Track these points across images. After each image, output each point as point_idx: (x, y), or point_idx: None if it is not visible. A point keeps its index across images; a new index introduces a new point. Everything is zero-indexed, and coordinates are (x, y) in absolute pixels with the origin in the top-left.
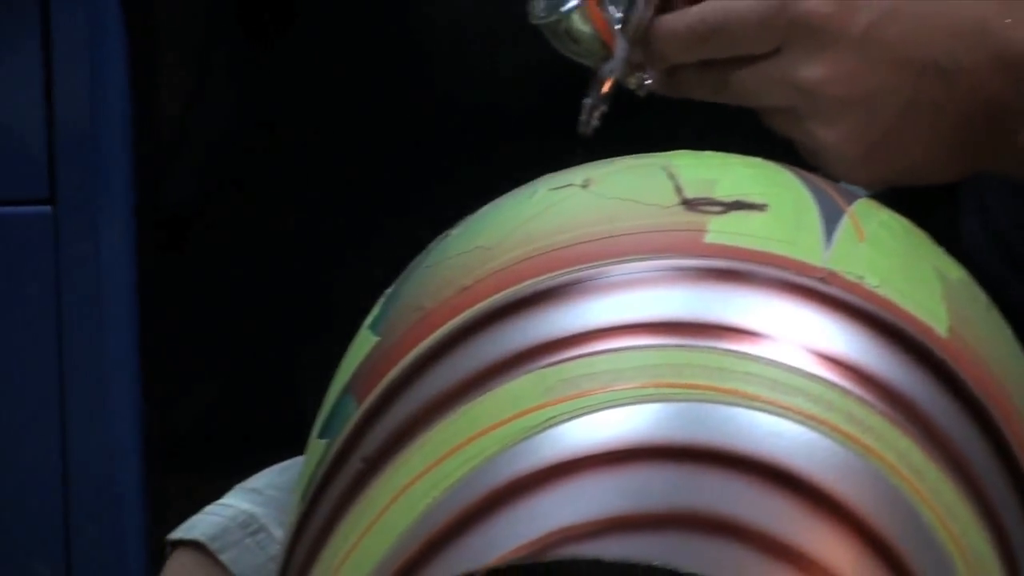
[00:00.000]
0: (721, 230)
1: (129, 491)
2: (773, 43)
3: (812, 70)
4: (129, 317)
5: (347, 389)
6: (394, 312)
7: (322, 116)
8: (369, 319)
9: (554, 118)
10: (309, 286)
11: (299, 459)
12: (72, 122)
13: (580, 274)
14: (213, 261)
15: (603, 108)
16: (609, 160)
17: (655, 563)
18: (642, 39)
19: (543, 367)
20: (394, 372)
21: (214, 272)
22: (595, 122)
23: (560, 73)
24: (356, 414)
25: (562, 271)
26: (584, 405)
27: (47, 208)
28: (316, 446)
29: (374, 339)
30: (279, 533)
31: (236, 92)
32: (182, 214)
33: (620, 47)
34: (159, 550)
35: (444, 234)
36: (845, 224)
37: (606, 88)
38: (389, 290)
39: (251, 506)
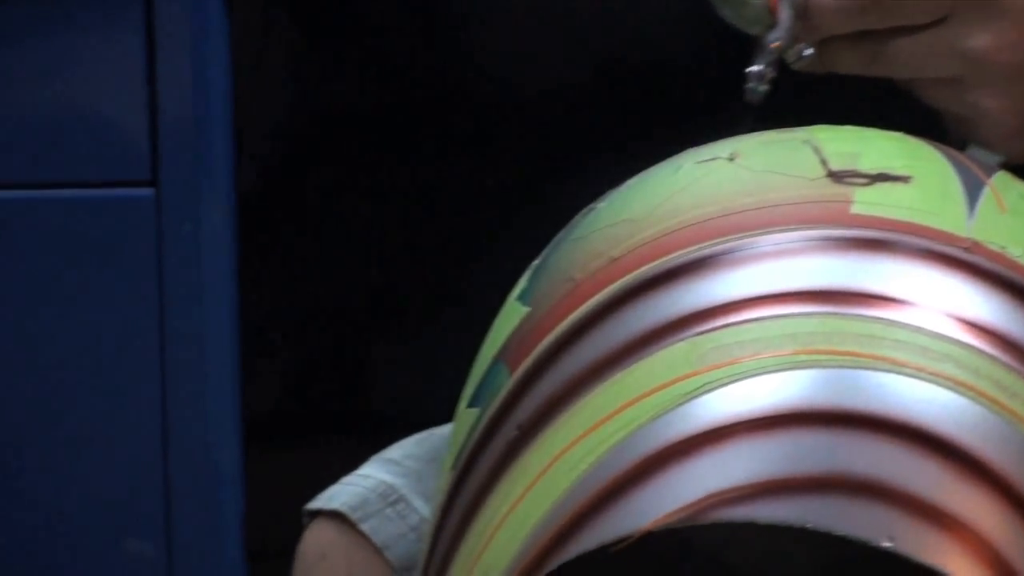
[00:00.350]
0: (867, 201)
1: (228, 469)
2: (940, 12)
3: (981, 39)
4: (229, 297)
5: (498, 358)
6: (543, 283)
7: (390, 96)
8: (516, 291)
9: (612, 110)
10: (407, 265)
11: (435, 430)
12: (175, 104)
13: (729, 244)
14: (310, 243)
15: (771, 74)
16: (749, 135)
17: (807, 525)
18: (802, 9)
19: (695, 335)
20: (546, 341)
21: (311, 253)
22: (762, 89)
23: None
24: (509, 383)
25: (711, 242)
26: (736, 372)
27: (150, 190)
28: (467, 415)
29: (524, 310)
30: (418, 503)
31: (308, 72)
32: (268, 195)
33: (784, 15)
34: (256, 527)
35: (589, 207)
36: (987, 195)
37: (772, 56)
38: (535, 262)
39: (390, 477)
